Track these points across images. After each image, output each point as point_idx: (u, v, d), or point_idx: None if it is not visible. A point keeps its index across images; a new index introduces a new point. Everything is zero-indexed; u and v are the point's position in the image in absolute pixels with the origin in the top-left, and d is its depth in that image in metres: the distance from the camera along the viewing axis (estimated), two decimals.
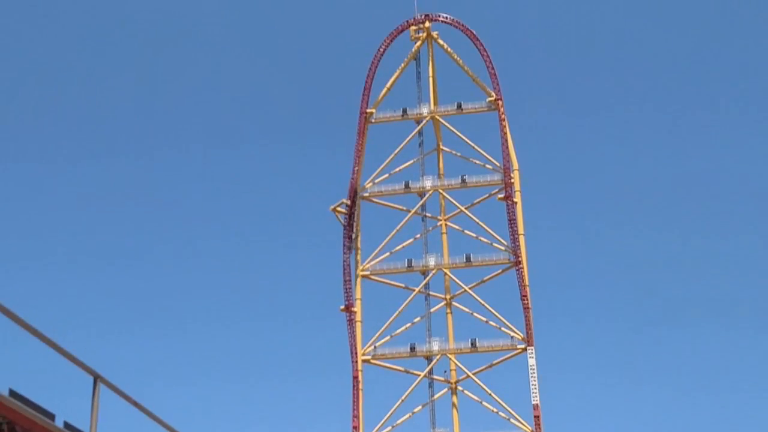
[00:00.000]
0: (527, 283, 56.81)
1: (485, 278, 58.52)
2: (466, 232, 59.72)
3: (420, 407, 58.32)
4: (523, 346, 56.39)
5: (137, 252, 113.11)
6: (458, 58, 59.86)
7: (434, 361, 57.69)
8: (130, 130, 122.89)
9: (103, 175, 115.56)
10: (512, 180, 57.91)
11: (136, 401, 9.10)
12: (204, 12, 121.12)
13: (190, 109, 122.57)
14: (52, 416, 8.37)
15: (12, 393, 7.73)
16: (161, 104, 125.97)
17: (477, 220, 58.63)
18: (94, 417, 8.41)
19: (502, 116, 57.59)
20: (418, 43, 60.13)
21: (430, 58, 60.79)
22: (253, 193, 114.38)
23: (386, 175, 59.61)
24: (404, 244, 58.80)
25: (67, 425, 8.56)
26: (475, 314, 59.05)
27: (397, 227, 58.63)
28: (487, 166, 59.03)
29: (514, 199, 57.91)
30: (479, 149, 59.11)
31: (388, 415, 56.51)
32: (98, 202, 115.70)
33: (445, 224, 60.51)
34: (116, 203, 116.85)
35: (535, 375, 56.39)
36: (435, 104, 59.70)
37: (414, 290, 58.12)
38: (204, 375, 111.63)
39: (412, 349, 57.76)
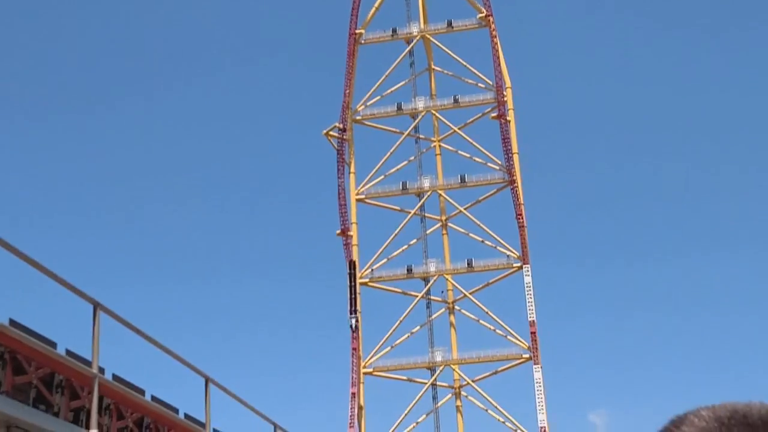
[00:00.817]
0: (522, 202, 56.90)
1: (480, 198, 58.62)
2: (460, 152, 59.42)
3: (418, 327, 59.48)
4: (519, 265, 57.00)
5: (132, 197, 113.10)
6: None
7: (431, 282, 58.45)
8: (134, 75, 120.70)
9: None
10: (505, 98, 57.08)
11: (137, 328, 9.16)
12: None
13: (184, 31, 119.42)
14: (53, 344, 8.48)
15: (12, 322, 7.89)
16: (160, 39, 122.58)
17: (470, 140, 58.17)
18: (96, 344, 8.46)
19: (493, 33, 56.13)
20: None
21: None
22: (243, 120, 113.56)
23: (378, 98, 58.79)
24: (398, 166, 58.62)
25: (69, 353, 8.59)
26: (470, 234, 59.47)
27: (391, 150, 58.31)
28: (480, 85, 58.09)
29: (507, 118, 57.25)
30: (471, 68, 58.07)
31: (386, 335, 57.69)
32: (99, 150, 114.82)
33: (439, 145, 60.07)
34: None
35: (531, 293, 57.30)
36: (425, 23, 58.08)
37: (409, 213, 58.24)
38: (199, 315, 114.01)
39: (409, 270, 58.38)
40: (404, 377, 58.58)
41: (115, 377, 9.79)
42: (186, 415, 11.52)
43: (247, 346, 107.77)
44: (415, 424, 57.21)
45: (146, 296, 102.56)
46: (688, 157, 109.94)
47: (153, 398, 10.91)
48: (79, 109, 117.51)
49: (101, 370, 8.98)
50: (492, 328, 57.75)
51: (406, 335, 58.69)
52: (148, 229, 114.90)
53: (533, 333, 56.37)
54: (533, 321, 56.29)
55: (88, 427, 8.61)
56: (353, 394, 56.92)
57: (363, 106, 58.18)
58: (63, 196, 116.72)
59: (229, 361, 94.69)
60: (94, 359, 8.53)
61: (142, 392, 10.33)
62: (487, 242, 57.70)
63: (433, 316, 60.15)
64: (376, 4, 58.51)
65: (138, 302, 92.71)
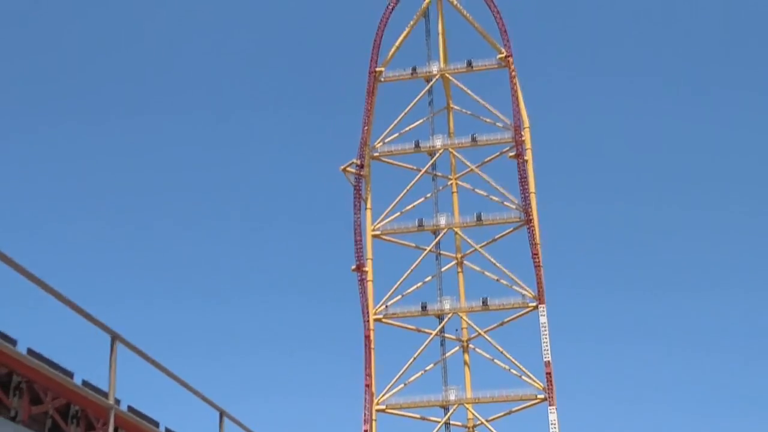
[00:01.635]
0: (538, 242, 57.05)
1: (496, 237, 58.97)
2: (477, 190, 60.08)
3: (432, 365, 59.26)
4: (534, 304, 56.89)
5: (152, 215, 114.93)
6: (468, 15, 59.43)
7: (446, 319, 58.39)
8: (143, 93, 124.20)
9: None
10: (523, 138, 57.81)
11: (154, 360, 9.22)
12: None
13: (201, 71, 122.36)
14: (71, 374, 8.62)
15: (30, 352, 8.02)
16: (169, 63, 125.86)
17: (488, 179, 58.92)
18: (113, 375, 8.57)
19: (513, 73, 57.25)
20: (427, 0, 59.71)
21: (440, 14, 60.81)
22: (264, 153, 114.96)
23: (396, 135, 59.80)
24: (415, 203, 59.31)
25: (85, 383, 8.76)
26: (486, 273, 59.54)
27: (408, 186, 59.03)
28: (498, 124, 58.99)
29: (525, 157, 57.90)
30: (489, 107, 59.03)
31: (400, 373, 57.55)
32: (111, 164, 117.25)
33: (456, 183, 60.77)
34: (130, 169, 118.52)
35: (547, 333, 56.98)
36: (445, 62, 59.58)
37: (425, 249, 58.55)
38: (214, 340, 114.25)
39: (424, 308, 58.43)
40: (417, 415, 58.21)
41: (131, 408, 9.96)
42: None
43: (260, 378, 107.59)
44: (422, 372, 57.39)
45: (163, 322, 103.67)
46: (700, 196, 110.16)
47: (167, 431, 11.03)
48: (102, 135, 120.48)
49: (117, 401, 9.10)
50: (506, 368, 57.42)
51: (420, 373, 58.56)
52: (164, 253, 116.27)
53: (548, 374, 55.97)
54: (548, 362, 55.93)
55: None
56: (365, 431, 56.66)
57: (381, 143, 59.26)
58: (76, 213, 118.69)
59: (242, 392, 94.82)
60: (111, 390, 8.65)
61: (156, 424, 10.46)
62: (502, 281, 57.79)
63: (447, 354, 59.94)
64: (397, 43, 60.07)
65: (155, 330, 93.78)
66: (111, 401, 8.64)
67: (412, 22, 60.45)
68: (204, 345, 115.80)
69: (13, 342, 8.18)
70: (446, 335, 59.23)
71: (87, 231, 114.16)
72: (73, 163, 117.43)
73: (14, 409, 8.28)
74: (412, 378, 58.33)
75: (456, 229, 59.21)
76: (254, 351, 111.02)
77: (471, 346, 59.29)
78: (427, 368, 59.56)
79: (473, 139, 58.79)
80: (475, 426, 58.36)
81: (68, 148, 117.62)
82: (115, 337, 8.65)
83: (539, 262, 57.05)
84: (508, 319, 58.32)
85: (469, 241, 58.69)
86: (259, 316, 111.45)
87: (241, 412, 11.44)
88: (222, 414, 11.00)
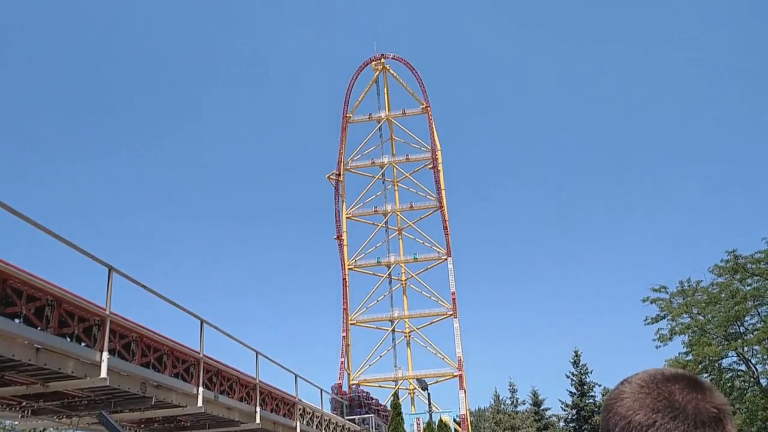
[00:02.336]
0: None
1: (423, 216, 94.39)
2: (410, 183, 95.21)
3: (382, 296, 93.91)
4: (444, 257, 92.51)
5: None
6: (402, 81, 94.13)
7: (391, 267, 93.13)
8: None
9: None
10: (437, 156, 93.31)
11: (145, 285, 11.80)
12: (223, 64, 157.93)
13: (229, 134, 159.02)
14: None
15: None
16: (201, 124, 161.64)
17: (418, 183, 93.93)
18: (109, 294, 11.11)
19: (430, 118, 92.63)
20: (377, 71, 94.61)
21: (385, 81, 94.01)
22: (279, 169, 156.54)
23: (359, 156, 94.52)
24: (372, 197, 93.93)
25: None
26: (416, 240, 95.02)
27: (368, 186, 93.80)
28: (422, 148, 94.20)
29: (438, 168, 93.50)
30: (416, 137, 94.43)
31: (364, 300, 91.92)
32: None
33: (397, 183, 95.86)
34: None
35: (453, 277, 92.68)
36: (389, 109, 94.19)
37: (378, 225, 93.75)
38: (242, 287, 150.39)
39: (378, 261, 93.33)
40: (374, 326, 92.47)
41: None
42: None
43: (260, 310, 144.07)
44: (377, 300, 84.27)
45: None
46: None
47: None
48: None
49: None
50: (428, 296, 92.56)
51: (376, 300, 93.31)
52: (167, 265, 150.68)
53: (453, 299, 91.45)
54: (454, 291, 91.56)
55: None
56: (343, 336, 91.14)
57: (351, 160, 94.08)
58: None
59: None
60: (108, 304, 11.21)
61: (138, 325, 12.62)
62: (426, 244, 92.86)
63: (393, 288, 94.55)
64: (360, 98, 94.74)
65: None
66: (108, 312, 11.00)
67: (369, 84, 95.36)
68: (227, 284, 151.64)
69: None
70: (392, 277, 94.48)
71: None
72: None
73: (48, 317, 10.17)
74: (372, 303, 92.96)
75: (397, 213, 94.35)
76: (262, 282, 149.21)
77: (408, 283, 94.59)
78: (380, 298, 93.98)
79: (407, 158, 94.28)
80: (410, 332, 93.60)
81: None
82: (111, 269, 10.93)
83: (447, 231, 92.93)
84: (430, 266, 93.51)
85: (405, 219, 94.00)
86: (270, 269, 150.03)
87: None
88: (202, 322, 14.05)
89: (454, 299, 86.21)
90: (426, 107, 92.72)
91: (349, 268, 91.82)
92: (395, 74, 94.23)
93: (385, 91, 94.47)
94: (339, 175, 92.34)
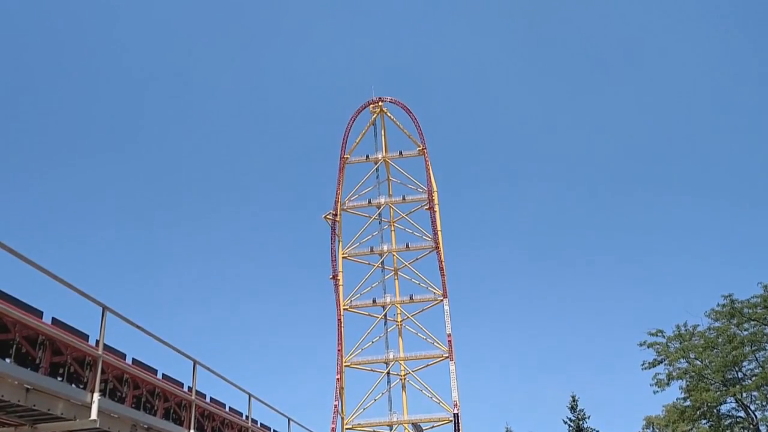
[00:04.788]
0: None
1: (419, 257, 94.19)
2: (407, 223, 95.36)
3: (378, 338, 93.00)
4: (440, 299, 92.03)
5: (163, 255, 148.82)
6: (399, 123, 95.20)
7: (387, 308, 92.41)
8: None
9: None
10: (433, 197, 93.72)
11: (140, 325, 11.52)
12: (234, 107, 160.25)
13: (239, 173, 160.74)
14: (86, 336, 11.26)
15: (54, 320, 10.45)
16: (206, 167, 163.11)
17: (412, 222, 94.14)
18: (102, 334, 10.93)
19: (427, 160, 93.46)
20: (375, 113, 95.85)
21: (383, 123, 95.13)
22: (276, 209, 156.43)
23: (356, 196, 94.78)
24: (368, 236, 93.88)
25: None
26: (412, 280, 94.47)
27: (364, 226, 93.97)
28: (418, 189, 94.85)
29: (435, 209, 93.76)
30: (413, 178, 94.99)
31: (359, 342, 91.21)
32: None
33: (394, 224, 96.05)
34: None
35: (449, 318, 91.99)
36: (386, 151, 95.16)
37: (374, 265, 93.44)
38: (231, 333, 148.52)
39: (374, 301, 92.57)
40: (369, 368, 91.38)
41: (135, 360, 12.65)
42: (164, 375, 13.89)
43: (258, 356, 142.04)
44: (371, 342, 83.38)
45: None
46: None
47: (164, 376, 13.70)
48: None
49: (125, 357, 12.15)
50: (423, 337, 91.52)
51: (371, 342, 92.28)
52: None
53: (450, 342, 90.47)
54: (450, 333, 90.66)
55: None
56: (338, 379, 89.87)
57: (348, 201, 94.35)
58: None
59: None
60: (101, 342, 11.03)
61: (123, 355, 12.56)
62: (422, 285, 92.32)
63: (389, 330, 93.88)
64: (357, 140, 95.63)
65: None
66: (100, 351, 10.87)
67: (366, 126, 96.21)
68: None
69: (40, 313, 10.02)
70: (388, 318, 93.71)
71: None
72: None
73: (39, 358, 10.01)
74: (367, 345, 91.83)
75: (394, 253, 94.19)
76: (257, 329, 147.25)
77: (403, 324, 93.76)
78: (375, 340, 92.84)
79: (403, 198, 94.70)
80: (405, 374, 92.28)
81: None
82: (105, 308, 10.66)
83: (444, 272, 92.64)
84: (426, 307, 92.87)
85: (402, 260, 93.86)
86: (264, 309, 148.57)
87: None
88: (195, 363, 13.82)
89: (450, 341, 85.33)
90: (423, 149, 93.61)
91: (344, 309, 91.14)
92: (393, 117, 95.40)
93: (383, 133, 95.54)
94: (335, 214, 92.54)
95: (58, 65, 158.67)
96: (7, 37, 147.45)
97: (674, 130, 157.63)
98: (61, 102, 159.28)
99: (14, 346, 10.12)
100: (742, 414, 34.63)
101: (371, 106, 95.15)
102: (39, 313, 10.62)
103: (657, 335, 37.52)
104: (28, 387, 10.22)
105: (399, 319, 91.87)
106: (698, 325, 37.22)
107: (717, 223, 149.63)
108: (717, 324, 35.48)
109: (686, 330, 37.39)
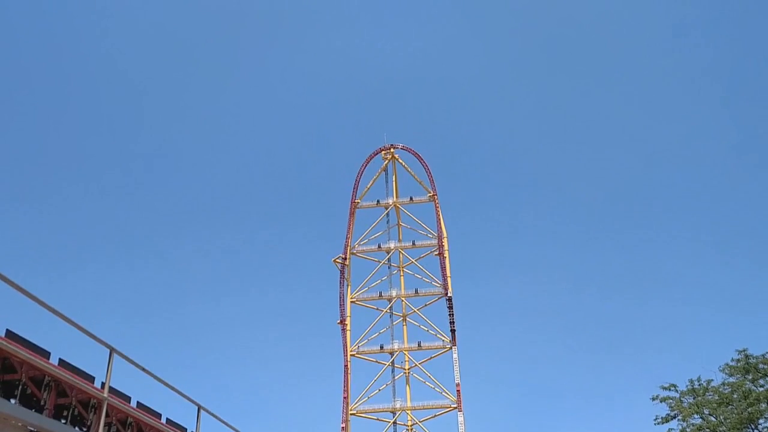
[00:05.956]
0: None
1: (427, 302, 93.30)
2: (416, 275, 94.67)
3: (385, 385, 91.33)
4: (449, 346, 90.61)
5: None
6: (410, 169, 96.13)
7: (395, 355, 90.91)
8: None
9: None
10: (443, 243, 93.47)
11: (146, 368, 11.19)
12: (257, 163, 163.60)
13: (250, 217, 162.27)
14: (92, 377, 11.19)
15: (61, 361, 10.44)
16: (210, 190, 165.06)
17: (422, 268, 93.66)
18: (108, 376, 10.48)
19: (437, 206, 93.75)
20: (386, 160, 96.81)
21: (394, 169, 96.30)
22: (287, 252, 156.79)
23: (366, 240, 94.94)
24: (376, 282, 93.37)
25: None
26: (421, 327, 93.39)
27: (373, 271, 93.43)
28: (428, 235, 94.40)
29: (444, 255, 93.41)
30: (423, 224, 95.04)
31: (365, 389, 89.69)
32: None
33: (403, 269, 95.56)
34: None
35: (458, 366, 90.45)
36: (397, 197, 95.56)
37: (382, 311, 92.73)
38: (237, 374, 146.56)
39: (381, 347, 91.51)
40: (375, 417, 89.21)
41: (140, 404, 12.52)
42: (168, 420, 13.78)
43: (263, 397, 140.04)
44: (378, 390, 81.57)
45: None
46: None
47: (168, 420, 13.59)
48: None
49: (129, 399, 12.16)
50: (432, 386, 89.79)
51: (378, 390, 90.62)
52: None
53: (458, 391, 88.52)
54: (458, 383, 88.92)
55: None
56: (343, 428, 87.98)
57: (357, 245, 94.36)
58: None
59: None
60: (106, 386, 10.62)
61: (128, 398, 12.69)
62: (430, 331, 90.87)
63: (396, 378, 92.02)
64: (368, 185, 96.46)
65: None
66: (105, 394, 10.54)
67: (378, 173, 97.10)
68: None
69: (48, 354, 9.92)
70: (395, 365, 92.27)
71: None
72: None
73: (44, 399, 9.98)
74: (373, 393, 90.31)
75: (402, 298, 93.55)
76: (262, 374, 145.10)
77: (411, 372, 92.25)
78: (381, 387, 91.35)
79: (413, 243, 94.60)
80: (412, 425, 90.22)
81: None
82: (112, 350, 10.33)
83: (453, 319, 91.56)
84: (435, 355, 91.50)
85: (409, 304, 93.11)
86: (274, 354, 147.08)
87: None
88: (199, 408, 13.35)
89: (458, 391, 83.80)
90: (433, 195, 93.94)
91: (351, 355, 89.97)
92: (404, 163, 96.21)
93: (394, 179, 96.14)
94: (345, 258, 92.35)
95: (57, 67, 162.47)
96: None
97: (691, 181, 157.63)
98: (59, 126, 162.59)
99: (20, 386, 10.07)
100: None
101: (383, 152, 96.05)
102: (46, 354, 10.60)
103: (670, 389, 36.76)
104: (32, 429, 10.12)
105: (407, 367, 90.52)
106: (712, 380, 36.47)
107: (731, 276, 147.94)
108: (732, 379, 34.74)
109: (700, 385, 36.62)
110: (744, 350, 34.57)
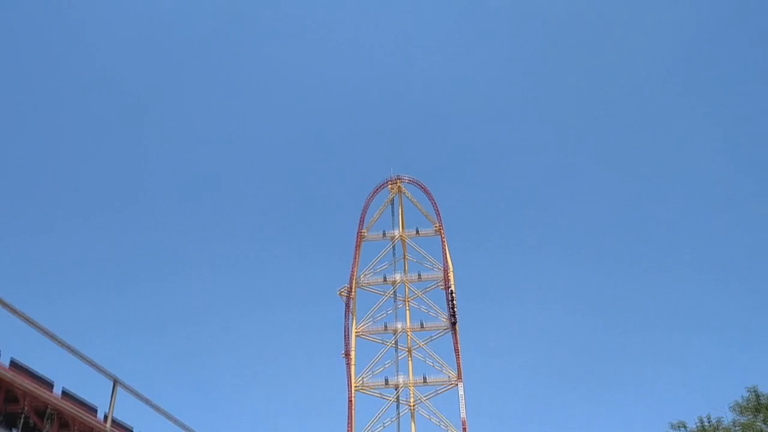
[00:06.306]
0: (458, 342, 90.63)
1: (433, 336, 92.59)
2: (422, 308, 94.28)
3: (389, 421, 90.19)
4: (455, 382, 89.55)
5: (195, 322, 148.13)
6: (416, 202, 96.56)
7: (399, 389, 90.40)
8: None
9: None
10: (449, 277, 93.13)
11: (150, 400, 11.14)
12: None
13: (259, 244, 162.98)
14: (95, 409, 13.28)
15: (64, 392, 12.97)
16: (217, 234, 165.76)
17: (430, 302, 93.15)
18: (111, 409, 10.55)
19: (443, 238, 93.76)
20: (393, 192, 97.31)
21: (400, 202, 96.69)
22: (294, 281, 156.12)
23: (371, 272, 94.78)
24: (383, 314, 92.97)
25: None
26: (426, 361, 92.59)
27: (378, 303, 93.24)
28: (434, 268, 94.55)
29: (451, 289, 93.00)
30: (429, 256, 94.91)
31: (369, 423, 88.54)
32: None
33: (408, 301, 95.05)
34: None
35: (464, 402, 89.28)
36: (402, 229, 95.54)
37: (388, 344, 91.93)
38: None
39: (386, 381, 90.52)
40: None
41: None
42: None
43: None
44: (382, 426, 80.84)
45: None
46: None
47: None
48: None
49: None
50: (439, 423, 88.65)
51: (382, 426, 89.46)
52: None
53: (464, 429, 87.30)
54: (464, 419, 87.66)
55: None
56: None
57: (363, 276, 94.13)
58: None
59: None
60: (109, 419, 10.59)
61: (130, 430, 12.64)
62: (435, 366, 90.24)
63: (401, 414, 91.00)
64: (375, 217, 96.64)
65: None
66: (108, 427, 10.39)
67: (384, 204, 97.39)
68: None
69: (51, 384, 10.37)
70: (400, 400, 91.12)
71: None
72: None
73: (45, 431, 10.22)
74: (378, 429, 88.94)
75: (408, 332, 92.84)
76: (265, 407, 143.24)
77: (416, 408, 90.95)
78: (386, 423, 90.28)
79: (419, 276, 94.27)
80: None
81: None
82: (116, 382, 10.43)
83: (458, 354, 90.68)
84: (441, 390, 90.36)
85: (416, 339, 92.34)
86: (275, 385, 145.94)
87: None
88: None
89: (464, 428, 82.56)
90: (439, 227, 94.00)
91: (355, 388, 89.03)
92: (410, 196, 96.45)
93: (400, 211, 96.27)
94: (350, 290, 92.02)
95: (56, 71, 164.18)
96: None
97: (701, 218, 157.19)
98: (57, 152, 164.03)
99: (22, 417, 10.01)
100: None
101: (389, 184, 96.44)
102: (50, 384, 10.56)
103: (679, 428, 36.10)
104: None
105: (412, 401, 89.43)
106: (722, 418, 35.81)
107: (741, 313, 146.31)
108: (742, 419, 34.14)
109: (710, 424, 35.97)
110: (754, 388, 34.04)
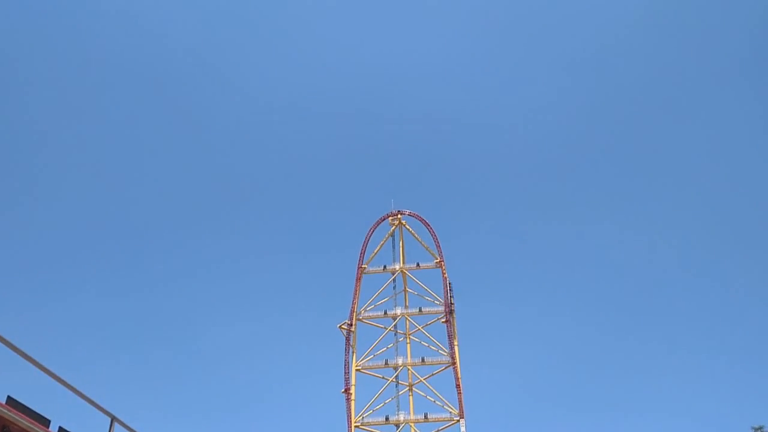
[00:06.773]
0: (459, 378, 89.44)
1: (434, 372, 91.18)
2: (423, 342, 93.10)
3: None
4: (457, 419, 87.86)
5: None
6: (417, 236, 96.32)
7: (401, 427, 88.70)
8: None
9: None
10: (451, 310, 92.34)
11: None
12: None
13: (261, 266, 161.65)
14: None
15: (61, 429, 10.21)
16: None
17: (429, 335, 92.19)
18: None
19: (444, 272, 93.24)
20: (394, 226, 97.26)
21: (401, 235, 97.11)
22: (294, 316, 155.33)
23: (372, 306, 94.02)
24: (383, 348, 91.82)
25: None
26: (428, 397, 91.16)
27: (378, 339, 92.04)
28: (435, 301, 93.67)
29: (452, 323, 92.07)
30: (429, 290, 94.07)
31: None
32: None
33: (409, 336, 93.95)
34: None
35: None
36: (403, 263, 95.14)
37: (389, 380, 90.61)
38: None
39: (387, 418, 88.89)
40: None
41: None
42: None
43: None
44: None
45: None
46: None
47: None
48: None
49: None
50: None
51: None
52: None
53: None
54: None
55: None
56: None
57: (363, 311, 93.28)
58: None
59: None
60: None
61: None
62: (437, 402, 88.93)
63: None
64: (375, 250, 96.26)
65: None
66: None
67: (385, 238, 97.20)
68: None
69: (48, 422, 9.81)
70: None
71: None
72: None
73: None
74: None
75: (409, 367, 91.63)
76: None
77: None
78: None
79: (420, 310, 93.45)
80: None
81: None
82: (113, 419, 10.28)
83: (460, 390, 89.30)
84: (442, 428, 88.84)
85: (416, 374, 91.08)
86: (273, 419, 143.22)
87: None
88: None
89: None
90: (440, 261, 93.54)
91: (355, 426, 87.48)
92: (411, 230, 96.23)
93: (401, 245, 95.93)
94: (351, 324, 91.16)
95: (55, 75, 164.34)
96: None
97: (714, 255, 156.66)
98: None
99: None
100: None
101: (390, 218, 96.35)
102: (46, 422, 10.13)
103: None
104: None
105: None
106: None
107: (744, 349, 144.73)
108: None
109: None
110: (760, 428, 33.26)
